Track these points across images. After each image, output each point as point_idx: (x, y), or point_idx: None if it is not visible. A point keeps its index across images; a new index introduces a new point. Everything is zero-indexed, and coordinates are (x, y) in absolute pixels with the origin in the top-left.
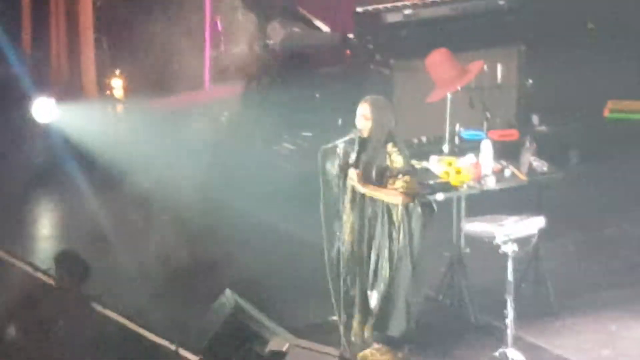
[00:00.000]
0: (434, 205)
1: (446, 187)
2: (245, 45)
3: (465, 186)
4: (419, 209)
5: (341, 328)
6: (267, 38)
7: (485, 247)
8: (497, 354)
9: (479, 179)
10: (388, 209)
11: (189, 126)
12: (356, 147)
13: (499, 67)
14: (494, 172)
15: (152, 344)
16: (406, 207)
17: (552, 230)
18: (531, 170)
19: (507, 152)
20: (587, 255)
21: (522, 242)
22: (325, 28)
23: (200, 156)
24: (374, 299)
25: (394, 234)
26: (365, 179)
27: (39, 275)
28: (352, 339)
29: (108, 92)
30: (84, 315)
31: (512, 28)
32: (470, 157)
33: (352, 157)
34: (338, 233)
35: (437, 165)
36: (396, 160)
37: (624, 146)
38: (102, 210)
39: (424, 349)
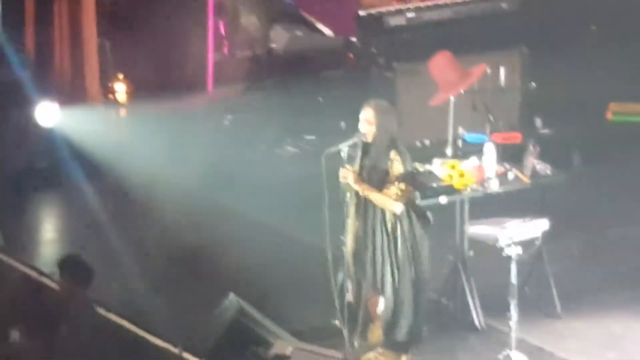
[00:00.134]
0: (429, 216)
1: (449, 190)
2: (248, 49)
3: (468, 189)
4: (413, 217)
5: (345, 332)
6: (271, 42)
7: (489, 249)
8: (500, 356)
9: (482, 181)
10: (384, 214)
11: (192, 130)
12: (359, 151)
13: (502, 70)
14: (497, 175)
15: (155, 348)
16: (399, 215)
17: (556, 233)
18: (534, 173)
19: (510, 154)
20: (591, 257)
21: (525, 244)
22: (328, 32)
23: (204, 160)
24: (380, 304)
25: (392, 240)
26: (368, 183)
27: (43, 279)
28: (356, 343)
29: (111, 97)
30: (87, 319)
31: (515, 31)
32: (473, 160)
33: (356, 161)
34: (342, 238)
35: (440, 168)
36: (396, 167)
37: (626, 148)
38: (105, 214)
39: (427, 352)
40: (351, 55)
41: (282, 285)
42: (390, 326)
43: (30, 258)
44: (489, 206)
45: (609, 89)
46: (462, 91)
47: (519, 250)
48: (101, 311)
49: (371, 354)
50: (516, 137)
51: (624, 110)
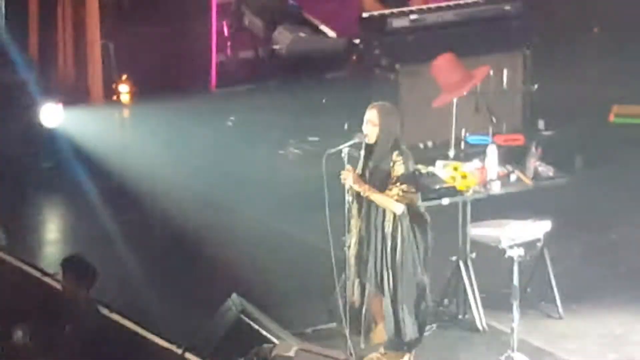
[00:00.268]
0: (427, 217)
1: (452, 191)
2: (251, 50)
3: (471, 191)
4: (413, 218)
5: (347, 333)
6: (274, 43)
7: (491, 251)
8: (502, 357)
9: (485, 183)
10: (384, 214)
11: (195, 131)
12: (363, 153)
13: (505, 72)
14: (500, 177)
15: (158, 348)
16: (400, 216)
17: (558, 234)
18: (537, 175)
19: (512, 156)
20: (593, 259)
21: (527, 246)
22: (331, 33)
23: (207, 161)
24: (381, 304)
25: (392, 241)
26: (370, 183)
27: (47, 279)
28: (362, 344)
29: (115, 97)
30: (91, 319)
31: (518, 33)
32: (475, 162)
33: (359, 162)
34: (344, 239)
35: (442, 170)
36: (398, 169)
37: (629, 150)
38: (108, 215)
39: (429, 353)
40: (354, 56)
41: (284, 285)
42: (392, 326)
43: (33, 258)
44: (491, 208)
45: (612, 91)
46: (464, 93)
47: (520, 251)
48: (104, 311)
49: (373, 355)
50: (519, 139)
51: (627, 113)
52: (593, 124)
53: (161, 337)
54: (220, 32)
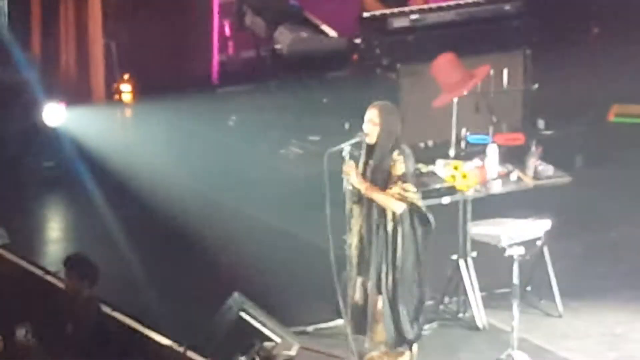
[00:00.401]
0: (431, 219)
1: (452, 190)
2: (253, 50)
3: (471, 190)
4: (415, 217)
5: (348, 331)
6: (275, 43)
7: (491, 250)
8: (503, 356)
9: (485, 182)
10: (385, 213)
11: (197, 130)
12: (363, 152)
13: (505, 72)
14: (500, 176)
15: (160, 346)
16: (400, 215)
17: (558, 233)
18: (537, 174)
19: (513, 156)
20: (593, 257)
21: (527, 245)
22: (332, 33)
23: (208, 160)
24: (380, 303)
25: (392, 240)
26: (370, 182)
27: (49, 278)
28: (366, 343)
29: (117, 97)
30: (93, 318)
31: (518, 33)
32: (476, 161)
33: (359, 162)
34: (344, 238)
35: (443, 169)
36: (398, 168)
37: (629, 150)
38: (110, 214)
39: (430, 352)
40: (355, 56)
41: (285, 284)
42: (391, 324)
43: (36, 257)
44: (492, 207)
45: (612, 91)
46: (465, 92)
47: (521, 250)
48: (106, 309)
49: (374, 353)
50: (519, 139)
51: (626, 112)
52: (593, 124)
53: (163, 336)
54: (221, 31)
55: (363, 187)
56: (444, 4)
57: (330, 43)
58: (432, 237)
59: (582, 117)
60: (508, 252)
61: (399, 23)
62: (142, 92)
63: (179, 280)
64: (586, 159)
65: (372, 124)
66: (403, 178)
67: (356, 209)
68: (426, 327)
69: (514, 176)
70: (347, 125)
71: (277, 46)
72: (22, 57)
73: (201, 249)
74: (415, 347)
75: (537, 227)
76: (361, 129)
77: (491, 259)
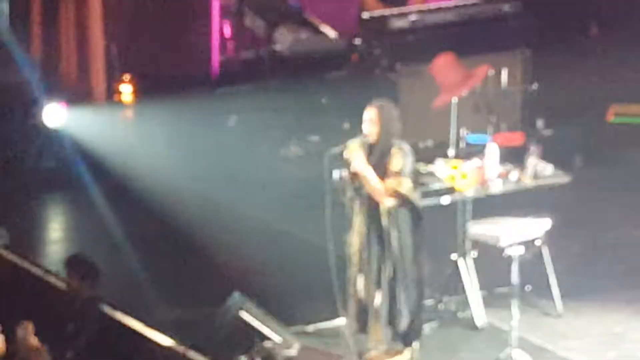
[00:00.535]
0: (421, 212)
1: (452, 190)
2: (252, 51)
3: (470, 190)
4: (407, 213)
5: (347, 331)
6: (275, 43)
7: (491, 249)
8: (502, 355)
9: (485, 182)
10: (379, 208)
11: (197, 130)
12: (364, 152)
13: (504, 72)
14: (500, 176)
15: (160, 346)
16: (392, 210)
17: (557, 233)
18: (536, 174)
19: (512, 155)
20: (592, 257)
21: (527, 244)
22: (331, 33)
23: (208, 160)
24: (379, 301)
25: (387, 235)
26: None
27: (50, 278)
28: (367, 343)
29: (117, 97)
30: (93, 318)
31: (517, 33)
32: (475, 161)
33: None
34: (344, 238)
35: (442, 169)
36: (395, 162)
37: (627, 150)
38: (111, 214)
39: (429, 351)
40: (355, 57)
41: (285, 284)
42: (389, 320)
43: (37, 257)
44: (491, 206)
45: (611, 91)
46: (464, 92)
47: (520, 250)
48: (107, 309)
49: (374, 353)
50: (518, 138)
51: (625, 112)
52: (592, 124)
53: (163, 335)
54: (221, 32)
55: (363, 168)
56: (443, 5)
57: (330, 43)
58: (425, 232)
59: (582, 117)
60: (507, 252)
61: (398, 23)
62: (142, 92)
63: (179, 280)
64: (585, 158)
65: (371, 123)
66: (399, 173)
67: (357, 209)
68: (426, 326)
69: (513, 176)
70: (347, 125)
71: (277, 47)
72: (23, 58)
73: (201, 249)
74: (415, 345)
75: (537, 226)
76: (361, 129)
77: (491, 258)
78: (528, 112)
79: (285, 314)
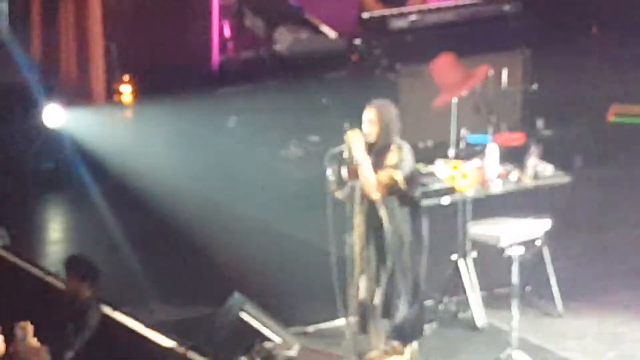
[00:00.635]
0: (418, 202)
1: (452, 190)
2: (252, 51)
3: (470, 190)
4: (404, 208)
5: (348, 331)
6: (275, 43)
7: (491, 249)
8: (502, 356)
9: (485, 182)
10: (375, 205)
11: (197, 131)
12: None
13: (504, 72)
14: (500, 176)
15: (161, 347)
16: (392, 205)
17: (558, 233)
18: (536, 174)
19: (512, 156)
20: (592, 257)
21: (527, 244)
22: (331, 33)
23: (208, 161)
24: (378, 299)
25: (383, 231)
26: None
27: (49, 278)
28: (367, 343)
29: (117, 98)
30: (93, 318)
31: (517, 33)
32: (475, 161)
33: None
34: (345, 238)
35: (442, 169)
36: (390, 157)
37: (628, 150)
38: (111, 214)
39: (429, 352)
40: (355, 57)
41: (286, 284)
42: (388, 317)
43: (36, 257)
44: (491, 206)
45: (611, 91)
46: (464, 92)
47: (520, 250)
48: (107, 310)
49: (374, 352)
50: (518, 139)
51: (625, 112)
52: (592, 124)
53: (163, 335)
54: (221, 32)
55: (362, 156)
56: (443, 5)
57: (330, 43)
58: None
59: (582, 117)
60: (507, 252)
61: (398, 23)
62: (142, 93)
63: (179, 280)
64: (585, 159)
65: (370, 123)
66: (394, 167)
67: (358, 209)
68: (426, 327)
69: (513, 176)
70: (347, 126)
71: (277, 47)
72: (23, 59)
73: (201, 249)
74: (415, 345)
75: (537, 227)
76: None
77: (491, 258)
78: (528, 112)
79: (285, 315)
